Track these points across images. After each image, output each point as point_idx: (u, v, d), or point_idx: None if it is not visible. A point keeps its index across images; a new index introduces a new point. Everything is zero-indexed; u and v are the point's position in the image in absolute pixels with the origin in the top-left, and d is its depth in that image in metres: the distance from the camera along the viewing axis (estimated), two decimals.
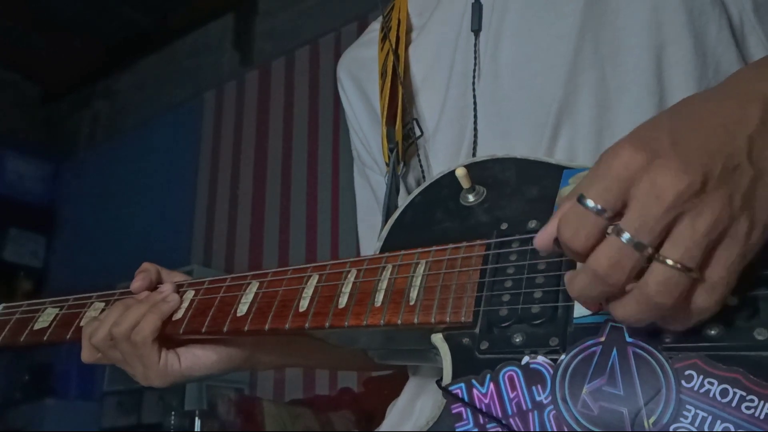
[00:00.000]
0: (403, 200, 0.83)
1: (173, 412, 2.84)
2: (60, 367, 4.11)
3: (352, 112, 1.06)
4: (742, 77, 0.59)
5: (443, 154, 0.88)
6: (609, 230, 0.51)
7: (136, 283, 0.91)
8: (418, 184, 0.89)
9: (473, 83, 0.85)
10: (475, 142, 0.84)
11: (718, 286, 0.51)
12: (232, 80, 4.20)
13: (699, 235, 0.50)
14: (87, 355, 0.91)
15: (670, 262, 0.50)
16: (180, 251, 3.90)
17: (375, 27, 1.08)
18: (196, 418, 2.49)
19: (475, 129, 0.84)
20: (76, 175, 4.83)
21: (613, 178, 0.51)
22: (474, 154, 0.83)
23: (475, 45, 0.87)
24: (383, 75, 0.97)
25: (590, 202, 0.51)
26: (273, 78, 4.01)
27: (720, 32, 0.77)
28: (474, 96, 0.85)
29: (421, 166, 0.91)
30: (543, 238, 0.56)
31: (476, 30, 0.87)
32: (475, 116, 0.84)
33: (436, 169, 0.87)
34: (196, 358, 0.89)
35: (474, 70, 0.86)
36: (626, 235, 0.50)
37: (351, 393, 2.75)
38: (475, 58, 0.87)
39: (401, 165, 0.92)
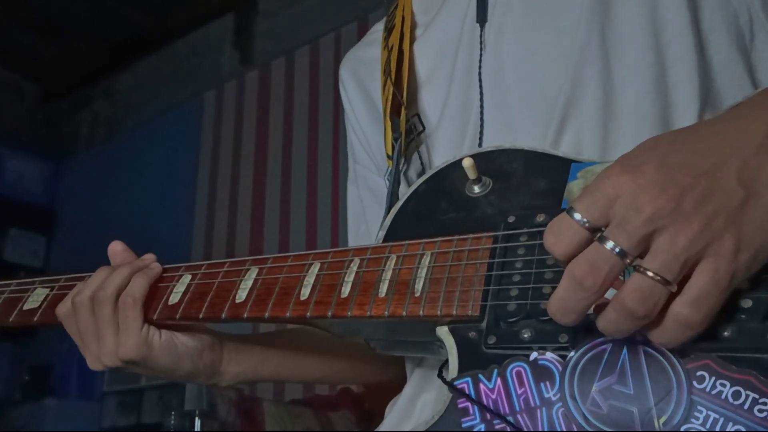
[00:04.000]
0: (405, 192, 0.82)
1: (173, 412, 2.83)
2: (60, 367, 4.10)
3: (352, 110, 1.05)
4: (754, 102, 0.60)
5: (445, 148, 0.87)
6: (594, 240, 0.55)
7: (118, 247, 0.93)
8: (419, 178, 0.89)
9: (479, 74, 0.85)
10: (481, 133, 0.83)
11: (702, 299, 0.52)
12: (232, 80, 4.19)
13: (677, 249, 0.52)
14: (62, 310, 0.87)
15: (649, 273, 0.52)
16: (180, 251, 3.89)
17: (378, 28, 1.09)
18: (196, 418, 2.48)
19: (482, 120, 0.84)
20: (76, 175, 4.82)
21: (600, 195, 0.55)
22: (480, 145, 0.83)
23: (481, 36, 0.87)
24: (386, 71, 0.96)
25: (576, 215, 0.55)
26: (273, 78, 4.01)
27: (723, 28, 0.77)
28: (480, 87, 0.84)
29: (421, 160, 0.91)
30: None
31: (482, 21, 0.87)
32: (482, 107, 0.84)
33: (438, 163, 0.87)
34: (173, 336, 0.87)
35: (479, 62, 0.86)
36: (609, 243, 0.53)
37: (351, 393, 2.75)
38: (481, 49, 0.86)
39: (403, 159, 0.91)
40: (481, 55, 0.86)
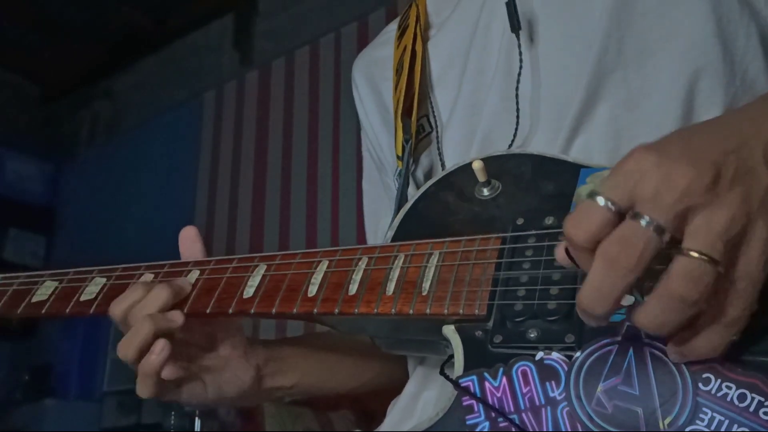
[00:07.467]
0: (415, 192, 0.82)
1: (173, 412, 2.82)
2: (60, 367, 4.10)
3: (364, 111, 1.06)
4: None
5: (453, 150, 0.88)
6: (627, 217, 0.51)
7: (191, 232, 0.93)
8: (427, 179, 0.89)
9: (518, 80, 0.83)
10: (515, 136, 0.82)
11: (749, 287, 0.50)
12: (232, 80, 4.19)
13: (719, 228, 0.49)
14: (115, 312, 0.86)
15: (694, 254, 0.49)
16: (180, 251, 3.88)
17: (391, 28, 1.10)
18: (196, 418, 2.48)
19: (517, 125, 0.83)
20: (76, 175, 4.81)
21: (624, 173, 0.51)
22: (511, 145, 0.82)
23: (519, 47, 0.85)
24: (398, 71, 0.97)
25: (599, 198, 0.51)
26: (273, 78, 4.00)
27: (748, 40, 0.77)
28: (517, 95, 0.83)
29: (430, 161, 0.91)
30: (559, 249, 0.55)
31: (516, 30, 0.84)
32: (518, 114, 0.83)
33: (447, 165, 0.87)
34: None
35: (519, 69, 0.84)
36: (644, 219, 0.49)
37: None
38: (520, 53, 0.84)
39: (411, 159, 0.92)
40: (521, 62, 0.84)
